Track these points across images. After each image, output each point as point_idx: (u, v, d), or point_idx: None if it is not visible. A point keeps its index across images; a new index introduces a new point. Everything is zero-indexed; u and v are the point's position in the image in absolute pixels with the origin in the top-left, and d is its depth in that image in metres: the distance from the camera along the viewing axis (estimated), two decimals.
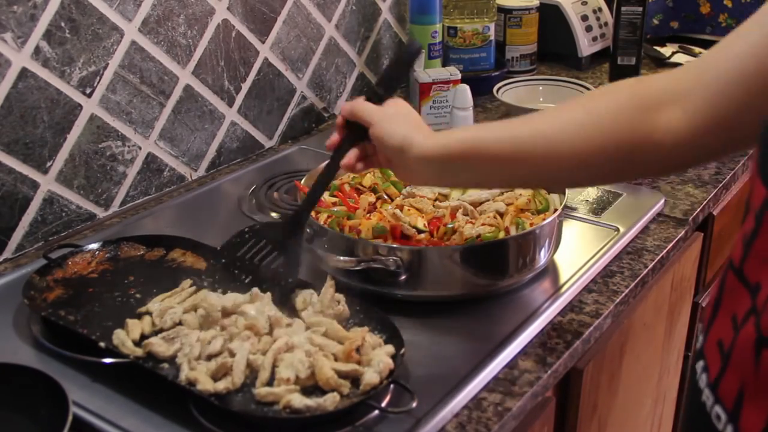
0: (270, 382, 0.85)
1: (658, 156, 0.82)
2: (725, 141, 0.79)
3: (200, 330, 0.93)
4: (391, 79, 1.06)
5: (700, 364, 0.60)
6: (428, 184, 1.14)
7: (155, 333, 0.93)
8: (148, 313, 0.97)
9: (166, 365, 0.89)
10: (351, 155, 0.99)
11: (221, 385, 0.84)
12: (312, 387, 0.85)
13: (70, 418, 0.79)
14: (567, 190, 1.13)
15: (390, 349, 0.89)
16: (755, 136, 0.64)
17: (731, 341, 0.55)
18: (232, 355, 0.88)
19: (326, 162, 1.03)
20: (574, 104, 0.91)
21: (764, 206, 0.55)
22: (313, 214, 1.12)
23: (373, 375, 0.85)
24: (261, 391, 0.83)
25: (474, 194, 1.16)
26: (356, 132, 0.99)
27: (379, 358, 0.87)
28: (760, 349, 0.51)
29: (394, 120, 0.95)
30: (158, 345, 0.90)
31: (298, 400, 0.82)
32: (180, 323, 0.94)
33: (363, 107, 0.98)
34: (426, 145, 0.92)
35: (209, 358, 0.88)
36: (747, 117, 0.73)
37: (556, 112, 0.92)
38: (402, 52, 1.07)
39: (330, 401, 0.82)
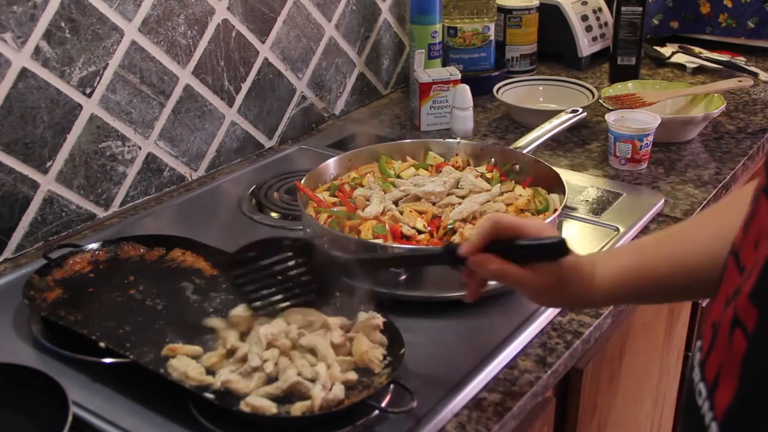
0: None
1: None
2: None
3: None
4: None
5: (698, 344, 0.61)
6: (588, 306, 1.02)
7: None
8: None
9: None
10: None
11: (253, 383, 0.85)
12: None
13: (70, 418, 0.79)
14: (567, 190, 1.13)
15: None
16: None
17: (719, 321, 0.56)
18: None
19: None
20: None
21: (759, 192, 0.56)
22: (313, 213, 1.12)
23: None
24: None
25: (470, 206, 1.16)
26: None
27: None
28: (734, 329, 0.53)
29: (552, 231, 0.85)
30: (236, 381, 0.86)
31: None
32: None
33: (507, 217, 0.87)
34: (608, 267, 0.82)
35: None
36: None
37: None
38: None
39: (339, 389, 0.83)
